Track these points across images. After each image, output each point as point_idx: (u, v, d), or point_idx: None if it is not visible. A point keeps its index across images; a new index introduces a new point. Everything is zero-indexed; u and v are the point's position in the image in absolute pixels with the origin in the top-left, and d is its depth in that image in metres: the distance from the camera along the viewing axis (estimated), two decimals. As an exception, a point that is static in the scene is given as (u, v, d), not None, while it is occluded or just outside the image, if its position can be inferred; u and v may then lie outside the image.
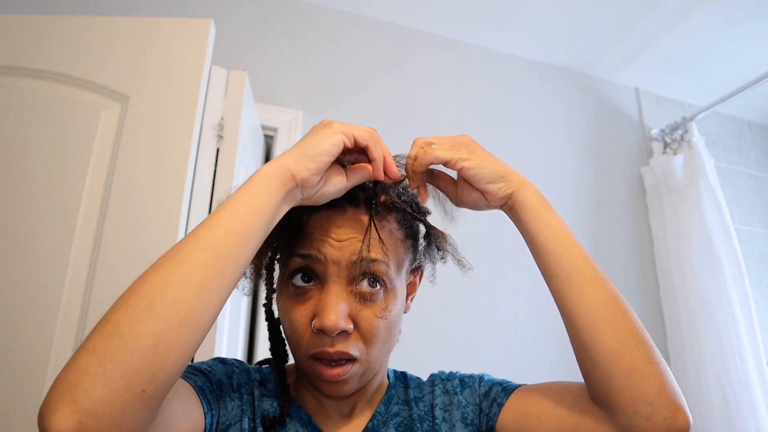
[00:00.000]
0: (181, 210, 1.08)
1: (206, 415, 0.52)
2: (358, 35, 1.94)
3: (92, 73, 1.16)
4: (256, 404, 0.59)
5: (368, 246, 0.55)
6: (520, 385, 0.62)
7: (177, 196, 1.09)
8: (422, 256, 0.66)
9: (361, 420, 0.62)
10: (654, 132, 2.20)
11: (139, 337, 0.39)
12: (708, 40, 2.03)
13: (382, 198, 0.60)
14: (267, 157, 1.73)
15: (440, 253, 0.66)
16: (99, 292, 1.02)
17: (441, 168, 0.61)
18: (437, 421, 0.61)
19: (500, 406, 0.60)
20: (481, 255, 0.62)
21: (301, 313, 0.56)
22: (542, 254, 0.56)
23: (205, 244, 0.45)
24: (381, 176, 0.55)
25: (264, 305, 0.62)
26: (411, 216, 0.61)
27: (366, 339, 0.56)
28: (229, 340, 1.22)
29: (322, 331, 0.54)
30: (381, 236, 0.57)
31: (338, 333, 0.54)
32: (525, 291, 1.75)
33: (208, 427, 0.52)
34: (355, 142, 0.53)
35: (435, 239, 0.64)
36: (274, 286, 0.61)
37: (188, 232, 1.13)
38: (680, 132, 2.12)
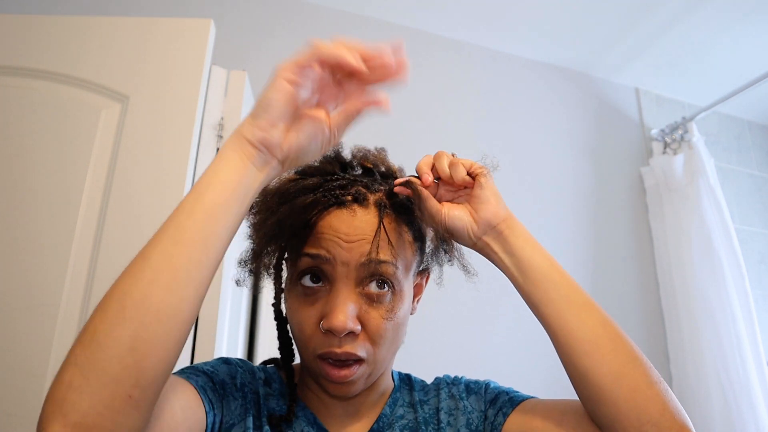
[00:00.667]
0: (181, 210, 1.08)
1: (208, 414, 0.52)
2: (358, 35, 1.93)
3: (92, 73, 1.16)
4: (261, 403, 0.59)
5: (377, 248, 0.55)
6: (527, 398, 0.62)
7: (177, 196, 1.09)
8: (430, 259, 0.66)
9: (367, 421, 0.62)
10: (654, 132, 2.20)
11: (115, 343, 0.38)
12: (708, 40, 2.03)
13: (392, 200, 0.60)
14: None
15: (447, 255, 0.66)
16: (99, 292, 1.02)
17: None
18: (442, 425, 0.61)
19: (506, 416, 0.60)
20: (485, 259, 0.62)
21: (309, 314, 0.56)
22: (537, 280, 0.55)
23: (169, 234, 0.43)
24: (356, 63, 0.47)
25: (273, 305, 0.62)
26: (420, 218, 0.61)
27: (373, 340, 0.56)
28: (229, 340, 1.22)
29: (330, 332, 0.54)
30: (390, 238, 0.57)
31: (346, 334, 0.54)
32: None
33: (210, 427, 0.52)
34: (303, 69, 0.46)
35: (442, 242, 0.64)
36: (283, 285, 0.61)
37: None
38: (680, 132, 2.12)
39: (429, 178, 0.58)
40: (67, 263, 1.03)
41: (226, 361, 0.61)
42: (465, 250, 0.63)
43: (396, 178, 0.63)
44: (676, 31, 1.99)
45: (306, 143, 0.50)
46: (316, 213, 0.57)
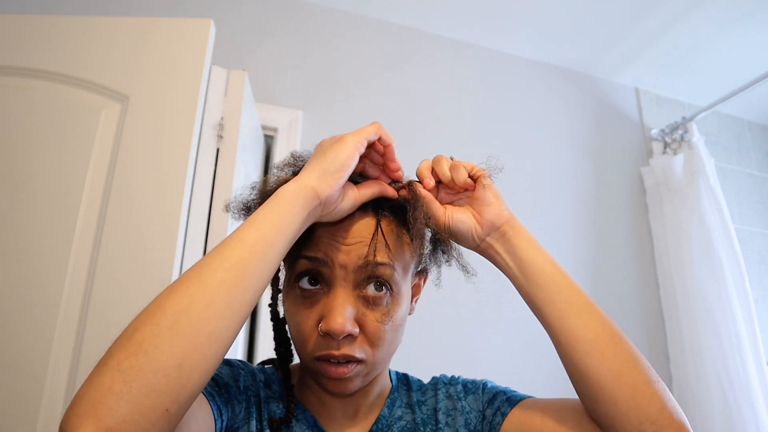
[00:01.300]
0: (181, 210, 1.08)
1: (216, 420, 0.53)
2: (358, 35, 1.94)
3: (92, 73, 1.16)
4: (262, 406, 0.59)
5: (375, 250, 0.55)
6: (524, 397, 0.62)
7: (177, 196, 1.09)
8: (428, 260, 0.66)
9: (366, 423, 0.62)
10: (654, 132, 2.20)
11: (165, 356, 0.39)
12: (708, 40, 2.03)
13: (390, 203, 0.60)
14: (267, 157, 1.73)
15: (445, 256, 0.66)
16: (99, 292, 1.02)
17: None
18: (440, 425, 0.62)
19: (504, 415, 0.60)
20: (484, 259, 0.62)
21: (307, 316, 0.56)
22: (540, 282, 0.56)
23: (229, 264, 0.45)
24: (395, 164, 0.59)
25: (269, 305, 0.63)
26: (417, 221, 0.61)
27: (372, 342, 0.56)
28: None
29: (328, 335, 0.54)
30: (388, 241, 0.57)
31: (344, 336, 0.54)
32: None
33: (217, 431, 0.53)
34: (367, 142, 0.55)
35: (440, 244, 0.65)
36: (280, 287, 0.61)
37: (188, 232, 1.13)
38: (680, 132, 2.12)
39: (431, 182, 0.59)
40: (67, 263, 1.03)
41: (227, 362, 0.61)
42: (463, 250, 0.63)
43: (394, 180, 0.63)
44: (676, 31, 1.99)
45: (343, 210, 0.55)
46: None
